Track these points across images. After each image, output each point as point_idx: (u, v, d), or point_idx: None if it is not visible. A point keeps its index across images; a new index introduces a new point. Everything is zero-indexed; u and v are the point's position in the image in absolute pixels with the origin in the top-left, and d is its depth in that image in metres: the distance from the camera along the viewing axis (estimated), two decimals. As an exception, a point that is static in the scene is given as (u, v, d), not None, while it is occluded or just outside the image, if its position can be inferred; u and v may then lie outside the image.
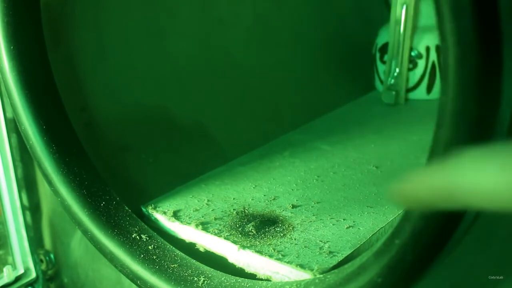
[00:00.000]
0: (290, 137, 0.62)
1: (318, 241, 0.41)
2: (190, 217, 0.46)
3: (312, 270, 0.38)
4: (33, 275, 0.62)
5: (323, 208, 0.46)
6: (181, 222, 0.46)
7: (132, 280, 0.42)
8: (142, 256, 0.42)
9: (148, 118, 0.54)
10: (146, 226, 0.45)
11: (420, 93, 0.71)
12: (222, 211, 0.47)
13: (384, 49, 0.72)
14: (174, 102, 0.56)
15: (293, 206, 0.47)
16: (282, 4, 0.67)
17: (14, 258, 0.61)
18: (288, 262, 0.39)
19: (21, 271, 0.61)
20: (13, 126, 0.58)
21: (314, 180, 0.52)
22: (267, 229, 0.43)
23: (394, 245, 0.28)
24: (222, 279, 0.40)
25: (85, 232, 0.45)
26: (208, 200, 0.49)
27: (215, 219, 0.46)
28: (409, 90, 0.71)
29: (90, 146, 0.48)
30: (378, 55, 0.73)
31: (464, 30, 0.23)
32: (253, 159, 0.57)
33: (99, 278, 0.61)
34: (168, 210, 0.47)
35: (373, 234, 0.42)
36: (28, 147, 0.46)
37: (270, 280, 0.40)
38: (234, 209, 0.47)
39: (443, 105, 0.24)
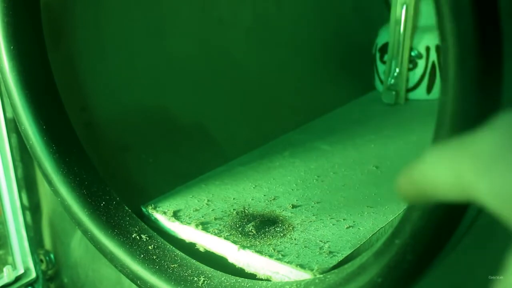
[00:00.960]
0: (290, 137, 0.62)
1: (318, 241, 0.41)
2: (190, 217, 0.46)
3: (312, 270, 0.38)
4: (33, 275, 0.62)
5: (323, 208, 0.46)
6: (181, 222, 0.46)
7: (132, 280, 0.42)
8: (142, 256, 0.42)
9: (148, 118, 0.54)
10: (146, 226, 0.45)
11: (420, 93, 0.71)
12: (222, 211, 0.47)
13: (384, 49, 0.72)
14: (174, 102, 0.56)
15: (293, 206, 0.47)
16: (282, 4, 0.67)
17: (14, 258, 0.61)
18: (288, 262, 0.39)
19: (21, 271, 0.61)
20: (13, 126, 0.58)
21: (314, 180, 0.52)
22: (267, 229, 0.43)
23: (394, 245, 0.28)
24: (222, 279, 0.40)
25: (85, 232, 0.45)
26: (208, 200, 0.49)
27: (215, 219, 0.46)
28: (409, 90, 0.71)
29: (90, 146, 0.48)
30: (378, 55, 0.73)
31: (464, 30, 0.23)
32: (253, 159, 0.57)
33: (99, 278, 0.61)
34: (168, 210, 0.47)
35: (373, 234, 0.42)
36: (28, 147, 0.46)
37: (270, 280, 0.40)
38: (234, 209, 0.47)
39: (443, 105, 0.24)
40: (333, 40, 0.75)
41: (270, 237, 0.43)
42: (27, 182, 0.61)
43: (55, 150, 0.45)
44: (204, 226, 0.45)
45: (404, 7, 0.67)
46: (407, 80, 0.70)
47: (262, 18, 0.65)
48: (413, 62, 0.70)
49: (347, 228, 0.43)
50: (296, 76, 0.69)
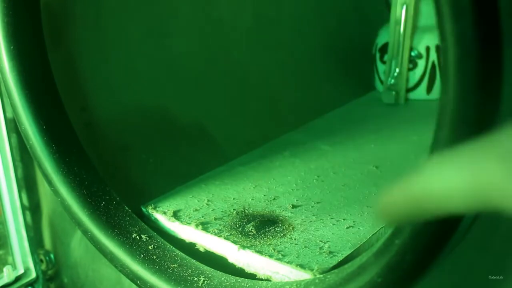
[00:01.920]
0: (290, 137, 0.62)
1: (318, 241, 0.41)
2: (190, 217, 0.46)
3: (312, 270, 0.38)
4: (33, 275, 0.62)
5: (323, 208, 0.46)
6: (181, 222, 0.46)
7: (132, 280, 0.42)
8: (142, 256, 0.42)
9: (148, 118, 0.54)
10: (146, 226, 0.45)
11: (420, 93, 0.71)
12: (222, 211, 0.47)
13: (384, 49, 0.72)
14: (174, 102, 0.56)
15: (293, 206, 0.47)
16: (282, 4, 0.67)
17: (14, 258, 0.61)
18: (288, 262, 0.39)
19: (21, 271, 0.61)
20: (13, 126, 0.58)
21: (314, 180, 0.52)
22: (267, 229, 0.43)
23: (394, 245, 0.28)
24: (222, 279, 0.40)
25: (85, 232, 0.45)
26: (208, 200, 0.49)
27: (215, 219, 0.46)
28: (409, 90, 0.71)
29: (90, 146, 0.48)
30: (378, 55, 0.73)
31: (464, 30, 0.23)
32: (253, 159, 0.57)
33: (99, 278, 0.61)
34: (168, 210, 0.47)
35: (373, 234, 0.42)
36: (28, 147, 0.46)
37: (270, 280, 0.40)
38: (234, 209, 0.47)
39: (443, 105, 0.24)
40: (333, 40, 0.75)
41: (270, 237, 0.43)
42: (27, 182, 0.61)
43: (55, 150, 0.45)
44: (204, 226, 0.45)
45: (404, 7, 0.67)
46: (407, 80, 0.70)
47: (262, 18, 0.65)
48: (413, 62, 0.70)
49: (347, 228, 0.43)
50: (296, 76, 0.69)
